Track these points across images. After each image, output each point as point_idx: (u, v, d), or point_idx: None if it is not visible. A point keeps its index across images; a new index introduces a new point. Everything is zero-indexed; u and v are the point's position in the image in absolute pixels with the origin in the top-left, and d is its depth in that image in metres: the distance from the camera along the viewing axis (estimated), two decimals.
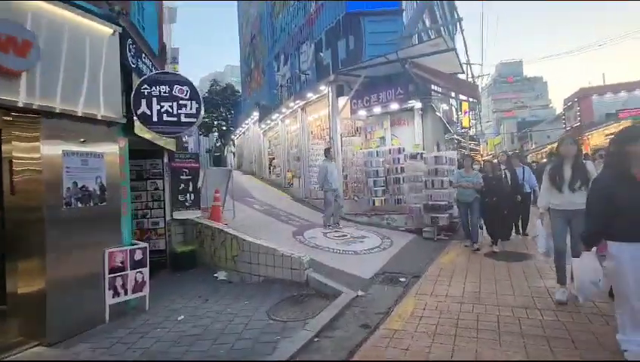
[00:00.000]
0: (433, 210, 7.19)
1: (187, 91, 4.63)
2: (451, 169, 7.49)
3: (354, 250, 6.30)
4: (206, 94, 36.06)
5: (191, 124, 4.65)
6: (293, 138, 12.17)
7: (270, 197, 11.44)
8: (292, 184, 12.37)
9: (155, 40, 6.24)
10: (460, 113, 18.86)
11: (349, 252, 6.22)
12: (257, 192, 12.02)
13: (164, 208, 6.64)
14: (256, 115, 16.03)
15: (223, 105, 34.83)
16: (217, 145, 18.34)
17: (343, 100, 9.34)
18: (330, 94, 9.32)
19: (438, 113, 9.02)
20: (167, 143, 6.27)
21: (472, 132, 22.85)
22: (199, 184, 7.18)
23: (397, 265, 5.59)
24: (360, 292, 4.44)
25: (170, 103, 4.54)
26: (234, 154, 19.41)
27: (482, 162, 6.97)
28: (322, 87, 9.63)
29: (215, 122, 35.78)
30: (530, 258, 5.59)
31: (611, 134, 19.23)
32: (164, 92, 4.53)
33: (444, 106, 11.16)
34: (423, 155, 7.70)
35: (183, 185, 6.94)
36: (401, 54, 7.80)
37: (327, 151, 8.08)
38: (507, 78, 72.06)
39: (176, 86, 4.59)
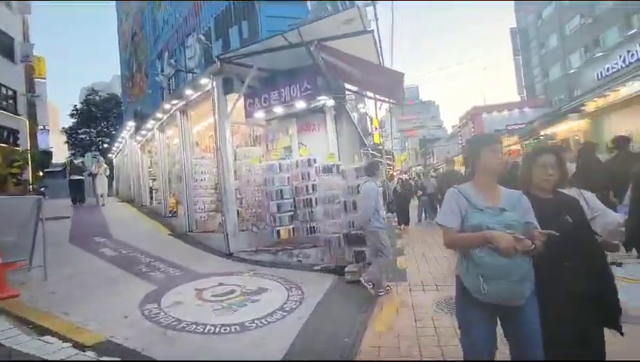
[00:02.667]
0: (357, 241, 5.21)
1: None
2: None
3: (240, 323, 3.82)
4: (80, 105, 29.82)
5: None
6: (176, 152, 9.27)
7: (137, 233, 8.20)
8: (176, 213, 9.34)
9: None
10: (372, 126, 18.18)
11: (232, 328, 3.72)
12: (121, 228, 8.64)
13: None
14: (132, 125, 12.51)
15: (104, 119, 29.14)
16: (78, 163, 13.90)
17: (233, 98, 6.99)
18: (216, 90, 6.86)
19: (353, 115, 7.40)
20: None
21: (386, 147, 22.72)
22: None
23: (311, 344, 3.35)
24: None
25: None
26: (111, 176, 15.17)
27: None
28: (204, 81, 7.12)
29: (97, 139, 29.74)
30: None
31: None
32: None
33: (361, 108, 9.73)
34: (340, 168, 5.76)
35: None
36: (305, 34, 5.88)
37: (371, 168, 4.94)
38: (408, 101, 79.17)
39: None
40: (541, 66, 35.49)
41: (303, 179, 6.46)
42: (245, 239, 6.78)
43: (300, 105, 6.63)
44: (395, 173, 19.85)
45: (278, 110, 6.97)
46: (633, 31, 16.04)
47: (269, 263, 6.22)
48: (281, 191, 6.42)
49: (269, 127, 7.78)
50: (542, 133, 17.32)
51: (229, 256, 6.65)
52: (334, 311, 4.22)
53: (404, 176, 17.72)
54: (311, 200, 6.33)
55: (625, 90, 11.95)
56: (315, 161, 6.36)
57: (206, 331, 3.67)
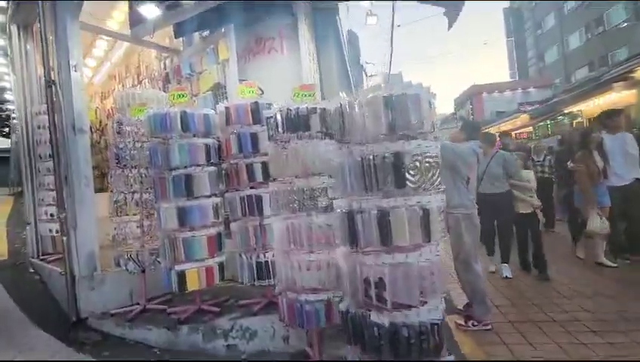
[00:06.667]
0: (374, 330, 1.56)
1: None
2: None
3: None
4: None
5: None
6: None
7: None
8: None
9: None
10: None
11: None
12: None
13: None
14: None
15: None
16: None
17: None
18: None
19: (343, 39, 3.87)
20: None
21: None
22: None
23: None
24: None
25: None
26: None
27: None
28: None
29: None
30: None
31: (506, 131, 17.79)
32: None
33: (368, 21, 5.82)
34: (327, 111, 2.06)
35: None
36: None
37: (473, 127, 3.14)
38: None
39: None
40: (536, 48, 33.03)
41: (241, 151, 2.78)
42: (114, 287, 3.05)
43: None
44: None
45: (191, 7, 3.21)
46: None
47: (156, 354, 2.56)
48: (188, 178, 2.71)
49: (184, 53, 4.02)
50: (565, 110, 14.28)
51: (76, 325, 2.92)
52: None
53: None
54: (259, 199, 2.68)
55: None
56: (269, 106, 2.65)
57: None
